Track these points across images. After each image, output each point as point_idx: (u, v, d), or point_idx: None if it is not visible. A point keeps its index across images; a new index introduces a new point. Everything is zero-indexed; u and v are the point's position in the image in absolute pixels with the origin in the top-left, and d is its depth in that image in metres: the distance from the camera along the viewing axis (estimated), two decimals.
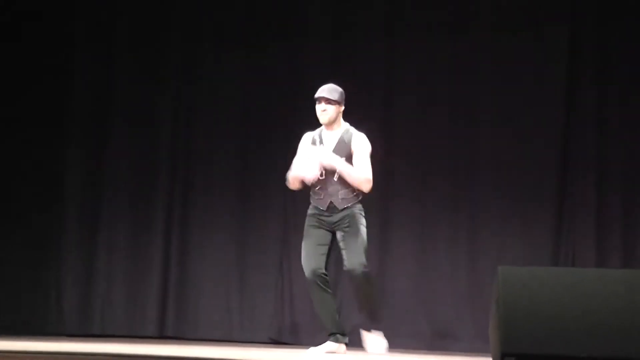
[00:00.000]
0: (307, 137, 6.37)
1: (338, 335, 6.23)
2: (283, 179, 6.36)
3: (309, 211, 6.32)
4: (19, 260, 8.42)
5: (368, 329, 6.35)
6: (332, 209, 6.21)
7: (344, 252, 6.18)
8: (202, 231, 8.15)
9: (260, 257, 8.01)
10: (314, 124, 7.88)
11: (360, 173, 6.15)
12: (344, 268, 6.20)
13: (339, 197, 6.21)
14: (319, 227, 6.24)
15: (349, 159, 6.20)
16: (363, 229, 6.20)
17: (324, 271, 6.18)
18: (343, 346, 6.24)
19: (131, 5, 8.53)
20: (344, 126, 6.31)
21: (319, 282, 6.15)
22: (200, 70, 8.36)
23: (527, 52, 7.65)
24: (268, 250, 7.99)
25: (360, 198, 6.24)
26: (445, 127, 7.80)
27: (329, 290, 6.20)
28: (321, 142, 6.29)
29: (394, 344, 7.54)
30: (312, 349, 6.26)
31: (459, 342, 7.49)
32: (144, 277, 8.24)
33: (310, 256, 6.19)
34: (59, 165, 8.51)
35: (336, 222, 6.21)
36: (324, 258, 6.20)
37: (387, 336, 7.68)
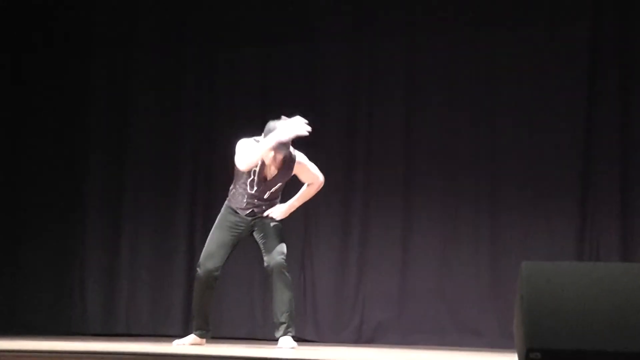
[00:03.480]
0: (249, 140, 6.25)
1: (205, 332, 6.31)
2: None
3: (226, 209, 6.30)
4: (42, 259, 8.47)
5: (285, 334, 6.27)
6: (252, 214, 6.26)
7: (264, 253, 6.20)
8: None
9: None
10: (332, 123, 7.86)
11: (315, 184, 6.27)
12: (265, 266, 6.20)
13: (263, 208, 6.25)
14: (234, 229, 6.25)
15: (287, 178, 6.27)
16: (282, 230, 6.24)
17: (219, 272, 6.25)
18: (204, 340, 6.33)
19: (149, 7, 8.56)
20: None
21: (209, 282, 6.22)
22: (219, 71, 8.39)
23: (547, 50, 7.63)
24: (289, 247, 7.96)
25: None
26: (466, 126, 7.80)
27: (214, 288, 6.28)
28: None
29: (418, 340, 7.55)
30: (176, 341, 6.32)
31: (483, 338, 7.49)
32: (168, 276, 8.27)
33: (213, 256, 6.22)
34: (81, 164, 8.55)
35: (255, 221, 6.24)
36: (224, 259, 6.25)
37: (410, 332, 7.69)
